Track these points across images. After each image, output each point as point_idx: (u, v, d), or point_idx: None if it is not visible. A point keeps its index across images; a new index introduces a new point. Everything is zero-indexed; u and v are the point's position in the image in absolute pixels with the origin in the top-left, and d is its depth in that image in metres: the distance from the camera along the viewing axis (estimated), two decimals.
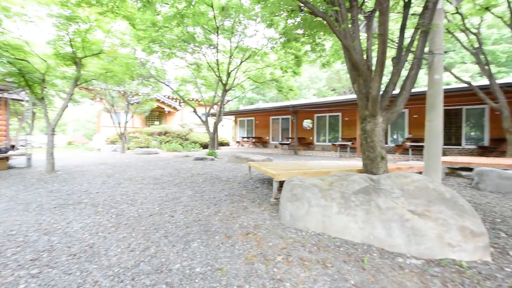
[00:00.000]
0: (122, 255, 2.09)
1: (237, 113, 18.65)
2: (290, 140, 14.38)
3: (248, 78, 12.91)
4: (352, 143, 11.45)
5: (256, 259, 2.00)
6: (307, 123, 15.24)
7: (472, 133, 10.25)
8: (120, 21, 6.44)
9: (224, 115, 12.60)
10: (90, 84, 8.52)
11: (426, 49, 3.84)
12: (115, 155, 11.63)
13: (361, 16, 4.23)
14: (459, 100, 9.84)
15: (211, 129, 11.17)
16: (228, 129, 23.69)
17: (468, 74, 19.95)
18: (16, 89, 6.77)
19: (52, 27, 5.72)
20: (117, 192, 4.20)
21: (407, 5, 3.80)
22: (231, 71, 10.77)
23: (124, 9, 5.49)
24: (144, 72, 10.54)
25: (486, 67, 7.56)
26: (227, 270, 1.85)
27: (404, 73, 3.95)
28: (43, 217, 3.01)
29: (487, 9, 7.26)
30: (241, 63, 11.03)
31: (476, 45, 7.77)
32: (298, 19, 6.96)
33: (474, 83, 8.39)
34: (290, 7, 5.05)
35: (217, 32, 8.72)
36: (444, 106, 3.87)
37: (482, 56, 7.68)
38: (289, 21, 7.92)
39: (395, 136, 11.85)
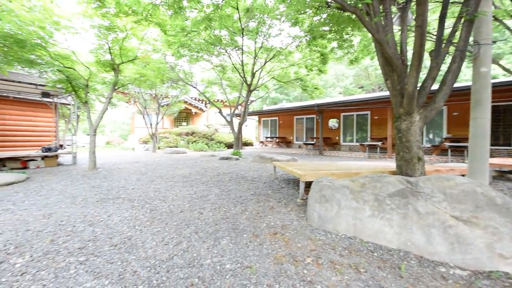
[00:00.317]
0: (157, 248, 2.22)
1: (261, 113, 18.70)
2: (315, 140, 14.05)
3: (272, 78, 12.90)
4: (383, 143, 10.82)
5: (285, 259, 1.99)
6: (332, 122, 14.76)
7: None
8: (152, 28, 6.86)
9: (248, 115, 12.73)
10: (126, 88, 9.19)
11: (471, 40, 3.50)
12: (147, 154, 12.39)
13: (394, 8, 3.99)
14: (509, 95, 8.78)
15: (236, 129, 11.36)
16: (251, 129, 23.89)
17: None
18: (64, 94, 7.55)
19: (94, 37, 6.28)
20: (150, 188, 4.47)
21: None
22: (256, 71, 10.85)
23: (157, 17, 5.83)
24: (173, 75, 11.07)
25: None
26: (257, 268, 1.86)
27: (443, 66, 3.64)
28: (87, 209, 3.31)
29: None
30: (265, 63, 11.07)
31: None
32: (324, 16, 6.78)
33: None
34: (317, 4, 4.93)
35: (242, 34, 8.84)
36: (491, 102, 3.48)
37: None
38: (315, 18, 7.75)
39: (431, 136, 10.95)
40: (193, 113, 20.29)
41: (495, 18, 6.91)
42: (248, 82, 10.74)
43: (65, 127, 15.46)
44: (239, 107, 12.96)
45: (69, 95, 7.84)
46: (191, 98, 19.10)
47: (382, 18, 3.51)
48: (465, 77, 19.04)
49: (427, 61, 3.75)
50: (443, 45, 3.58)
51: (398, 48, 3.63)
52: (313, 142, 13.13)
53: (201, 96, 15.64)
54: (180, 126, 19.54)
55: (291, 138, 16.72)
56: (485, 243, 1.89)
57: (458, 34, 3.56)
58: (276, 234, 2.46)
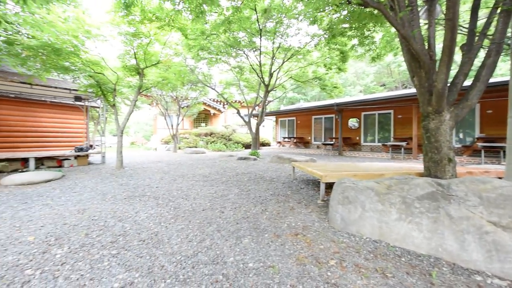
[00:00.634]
0: (182, 244, 2.31)
1: (278, 113, 18.63)
2: (334, 140, 13.72)
3: (290, 77, 12.80)
4: (407, 143, 10.30)
5: (307, 260, 1.97)
6: (352, 122, 14.32)
7: None
8: (173, 33, 7.12)
9: (265, 115, 12.75)
10: (149, 91, 9.62)
11: (508, 32, 3.23)
12: (168, 154, 12.85)
13: (420, 1, 3.80)
14: None
15: (253, 130, 11.42)
16: (268, 130, 23.88)
17: None
18: (94, 98, 8.08)
19: (121, 43, 6.66)
20: (173, 187, 4.64)
21: None
22: (273, 71, 10.83)
23: (178, 22, 6.04)
24: (193, 77, 11.39)
25: None
26: (279, 268, 1.87)
27: (475, 61, 3.40)
28: (116, 206, 3.51)
29: None
30: (283, 63, 11.02)
31: None
32: (345, 13, 6.61)
33: None
34: (337, 1, 4.82)
35: (260, 34, 8.88)
36: None
37: None
38: (334, 15, 7.58)
39: (461, 136, 10.23)
40: (212, 114, 20.71)
41: None
42: (266, 83, 10.76)
43: (94, 129, 16.50)
44: (257, 107, 13.02)
45: (98, 99, 8.36)
46: (210, 99, 19.51)
47: (407, 12, 3.36)
48: (500, 72, 17.56)
49: (456, 56, 3.53)
50: (476, 38, 3.35)
51: (425, 43, 3.45)
52: (332, 143, 12.83)
53: (219, 97, 15.93)
54: (199, 127, 20.05)
55: (309, 138, 16.47)
56: None
57: (493, 26, 3.31)
58: (298, 235, 2.45)
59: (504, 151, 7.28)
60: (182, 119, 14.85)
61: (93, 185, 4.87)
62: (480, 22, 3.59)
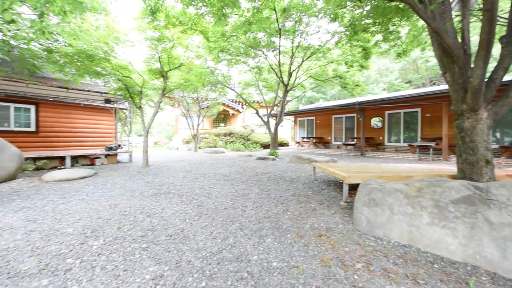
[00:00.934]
0: (206, 241, 2.38)
1: (297, 113, 18.41)
2: (355, 140, 13.27)
3: (310, 76, 12.61)
4: (436, 144, 9.68)
5: (332, 262, 1.94)
6: (375, 121, 13.75)
7: None
8: (195, 36, 7.34)
9: (284, 115, 12.67)
10: (172, 93, 10.00)
11: None
12: (189, 153, 13.26)
13: None
14: None
15: (272, 130, 11.41)
16: (286, 130, 23.69)
17: None
18: (122, 100, 8.58)
19: (146, 48, 7.00)
20: (196, 185, 4.79)
21: None
22: (293, 71, 10.73)
23: (200, 25, 6.22)
24: (213, 79, 11.63)
25: None
26: (304, 269, 1.86)
27: None
28: (144, 202, 3.70)
29: None
30: (302, 62, 10.88)
31: None
32: (368, 8, 6.38)
33: None
34: None
35: (279, 34, 8.84)
36: None
37: None
38: (356, 11, 7.34)
39: (498, 135, 9.40)
40: (230, 115, 21.00)
41: None
42: (285, 82, 10.69)
43: (121, 129, 17.48)
44: (275, 107, 12.98)
45: (126, 101, 8.85)
46: (229, 100, 19.81)
47: (438, 4, 3.16)
48: None
49: (494, 49, 3.26)
50: None
51: (459, 36, 3.23)
52: (353, 143, 12.42)
53: (238, 98, 16.11)
54: (218, 127, 20.44)
55: (329, 138, 16.09)
56: None
57: None
58: (321, 236, 2.42)
59: None
60: (202, 120, 15.24)
61: (122, 182, 5.17)
62: None
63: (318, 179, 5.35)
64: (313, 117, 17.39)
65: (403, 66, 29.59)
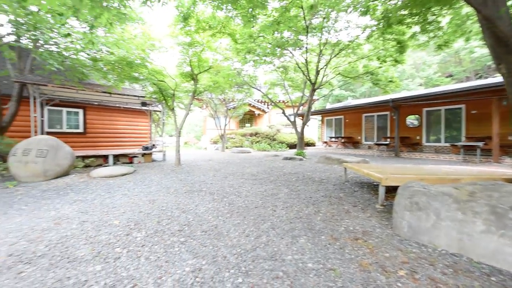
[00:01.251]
0: (240, 238, 2.43)
1: (325, 112, 17.88)
2: (389, 140, 12.48)
3: (338, 74, 12.16)
4: (485, 144, 8.68)
5: (372, 267, 1.85)
6: (411, 119, 12.79)
7: None
8: (223, 39, 7.55)
9: (311, 114, 12.39)
10: (201, 95, 10.39)
11: None
12: (217, 153, 13.65)
13: None
14: None
15: (299, 130, 11.24)
16: (313, 129, 23.15)
17: None
18: (157, 103, 9.14)
19: (178, 53, 7.37)
20: (225, 184, 4.91)
21: None
22: (320, 69, 10.45)
23: (228, 28, 6.38)
24: (239, 80, 11.82)
25: None
26: (341, 272, 1.81)
27: None
28: (179, 199, 3.90)
29: None
30: (330, 59, 10.54)
31: None
32: None
33: None
34: None
35: (307, 32, 8.68)
36: None
37: None
38: (391, 2, 6.90)
39: None
40: (256, 115, 21.15)
41: None
42: (312, 81, 10.45)
43: (154, 130, 18.63)
44: (301, 107, 12.76)
45: (159, 104, 9.42)
46: (254, 100, 19.96)
47: None
48: None
49: None
50: None
51: None
52: (387, 143, 11.69)
53: (264, 98, 16.15)
54: (244, 127, 20.72)
55: (359, 138, 15.36)
56: None
57: None
58: (358, 240, 2.32)
59: None
60: (229, 120, 15.57)
61: (158, 179, 5.51)
62: None
63: (350, 180, 5.14)
64: (342, 116, 16.75)
65: (442, 59, 27.06)
